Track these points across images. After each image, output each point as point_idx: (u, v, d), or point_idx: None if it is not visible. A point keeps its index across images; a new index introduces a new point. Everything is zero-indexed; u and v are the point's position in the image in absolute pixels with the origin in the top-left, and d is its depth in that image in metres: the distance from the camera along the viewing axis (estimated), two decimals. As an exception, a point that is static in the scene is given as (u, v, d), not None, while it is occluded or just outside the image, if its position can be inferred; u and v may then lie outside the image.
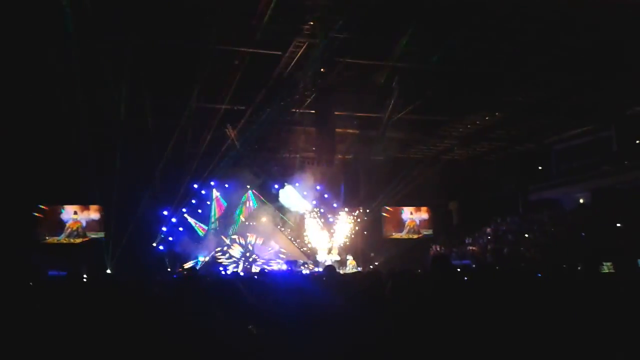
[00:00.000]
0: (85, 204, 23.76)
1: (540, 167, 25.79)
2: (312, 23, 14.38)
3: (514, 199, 26.08)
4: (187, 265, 22.90)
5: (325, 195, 26.28)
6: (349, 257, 24.25)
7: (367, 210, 26.30)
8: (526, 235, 22.41)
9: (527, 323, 4.15)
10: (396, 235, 27.91)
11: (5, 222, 20.20)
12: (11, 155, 20.03)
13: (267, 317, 3.76)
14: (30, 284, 10.71)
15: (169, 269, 22.97)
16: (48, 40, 14.26)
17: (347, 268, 22.36)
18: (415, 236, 28.03)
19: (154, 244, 24.06)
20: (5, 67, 15.51)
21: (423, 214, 28.55)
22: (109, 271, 21.70)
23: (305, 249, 25.62)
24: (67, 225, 23.75)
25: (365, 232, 27.02)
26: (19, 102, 17.53)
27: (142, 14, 13.89)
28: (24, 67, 15.64)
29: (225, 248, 24.70)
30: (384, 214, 27.88)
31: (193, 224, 25.01)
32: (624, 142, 21.82)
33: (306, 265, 24.64)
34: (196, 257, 24.08)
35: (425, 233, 28.02)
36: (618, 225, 19.07)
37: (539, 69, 17.46)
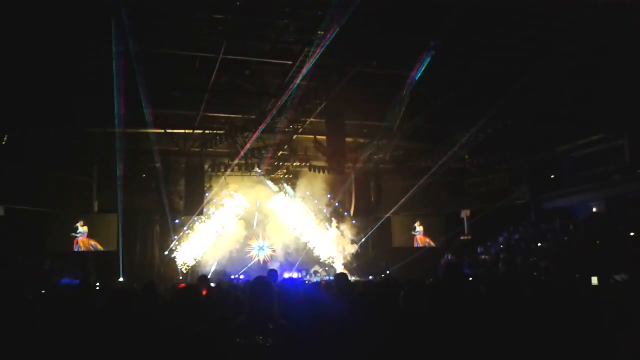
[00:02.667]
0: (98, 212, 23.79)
1: (552, 176, 25.61)
2: (322, 32, 14.38)
3: (526, 208, 25.93)
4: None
5: (337, 204, 26.37)
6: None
7: (377, 219, 26.36)
8: (539, 245, 22.25)
9: (538, 333, 4.11)
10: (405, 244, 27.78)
11: (17, 230, 20.43)
12: (22, 160, 20.29)
13: (277, 326, 3.75)
14: (43, 291, 10.81)
15: (180, 277, 23.12)
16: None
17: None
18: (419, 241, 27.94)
19: (166, 252, 24.22)
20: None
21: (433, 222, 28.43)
22: (121, 279, 21.86)
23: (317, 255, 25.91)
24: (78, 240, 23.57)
25: (375, 241, 27.07)
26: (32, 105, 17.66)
27: (153, 24, 14.05)
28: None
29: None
30: (394, 223, 27.79)
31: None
32: (637, 151, 21.62)
33: (317, 273, 24.72)
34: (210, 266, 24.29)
35: (432, 241, 27.87)
36: (632, 234, 18.92)
37: (549, 76, 17.39)
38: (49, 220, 22.90)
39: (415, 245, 27.70)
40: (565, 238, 21.48)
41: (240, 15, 13.89)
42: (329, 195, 26.26)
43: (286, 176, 26.11)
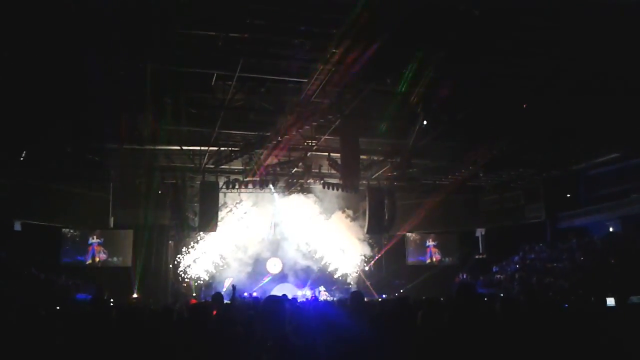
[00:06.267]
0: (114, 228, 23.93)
1: (568, 195, 25.39)
2: (336, 50, 14.49)
3: (543, 227, 25.70)
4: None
5: (350, 222, 26.37)
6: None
7: (391, 236, 26.30)
8: (555, 264, 22.02)
9: (554, 354, 4.08)
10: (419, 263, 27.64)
11: (33, 246, 20.64)
12: (39, 175, 20.53)
13: (288, 347, 3.74)
14: (57, 307, 10.87)
15: (194, 294, 23.14)
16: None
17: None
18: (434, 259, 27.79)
19: (180, 269, 24.26)
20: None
21: (447, 241, 28.29)
22: (135, 295, 21.94)
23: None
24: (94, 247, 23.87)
25: (388, 258, 26.95)
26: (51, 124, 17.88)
27: (171, 42, 14.23)
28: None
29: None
30: (408, 241, 27.69)
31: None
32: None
33: (326, 292, 24.59)
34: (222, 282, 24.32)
35: (448, 259, 27.72)
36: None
37: (565, 93, 17.32)
38: (64, 235, 23.21)
39: (428, 257, 27.54)
40: (582, 258, 21.24)
41: (256, 34, 14.04)
42: (343, 212, 26.37)
43: (300, 193, 26.11)
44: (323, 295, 24.03)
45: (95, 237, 23.65)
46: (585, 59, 15.48)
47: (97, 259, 23.58)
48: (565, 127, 19.52)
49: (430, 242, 27.90)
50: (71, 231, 23.60)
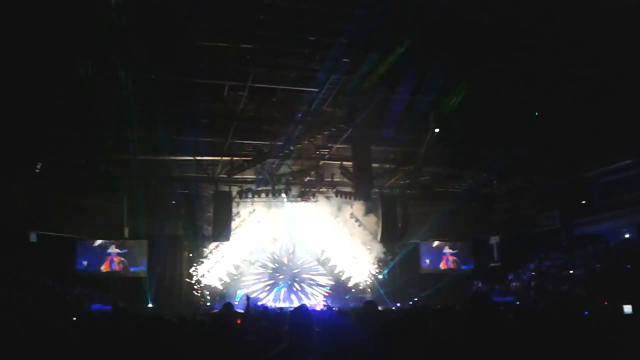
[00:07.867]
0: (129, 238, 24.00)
1: (583, 201, 25.16)
2: (347, 60, 14.56)
3: (558, 234, 25.47)
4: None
5: (363, 229, 26.26)
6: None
7: (405, 244, 26.19)
8: (570, 272, 21.81)
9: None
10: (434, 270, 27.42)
11: (48, 257, 20.78)
12: (53, 187, 20.70)
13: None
14: (74, 318, 10.93)
15: (208, 304, 23.15)
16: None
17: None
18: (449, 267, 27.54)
19: (194, 279, 24.28)
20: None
21: (462, 248, 28.08)
22: (150, 305, 21.98)
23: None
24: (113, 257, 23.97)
25: (402, 267, 26.80)
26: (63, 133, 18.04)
27: (184, 54, 14.37)
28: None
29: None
30: (422, 249, 27.54)
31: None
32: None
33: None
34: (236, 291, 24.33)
35: (463, 267, 27.49)
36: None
37: (578, 99, 17.25)
38: (80, 245, 23.34)
39: (443, 265, 27.27)
40: (598, 265, 21.04)
41: (267, 45, 14.15)
42: (355, 220, 26.24)
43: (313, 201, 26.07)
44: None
45: (114, 247, 23.73)
46: (598, 65, 15.45)
47: (116, 269, 23.61)
48: (578, 133, 19.42)
49: (446, 250, 27.69)
50: (89, 241, 23.67)
